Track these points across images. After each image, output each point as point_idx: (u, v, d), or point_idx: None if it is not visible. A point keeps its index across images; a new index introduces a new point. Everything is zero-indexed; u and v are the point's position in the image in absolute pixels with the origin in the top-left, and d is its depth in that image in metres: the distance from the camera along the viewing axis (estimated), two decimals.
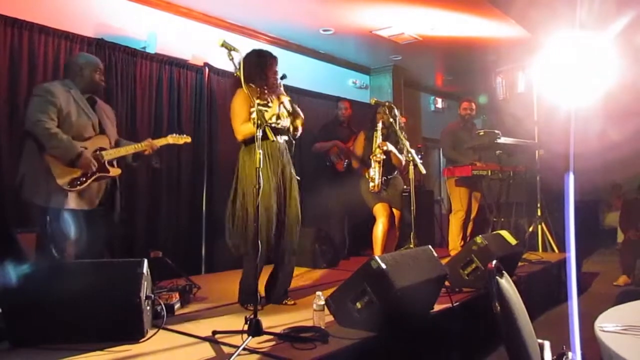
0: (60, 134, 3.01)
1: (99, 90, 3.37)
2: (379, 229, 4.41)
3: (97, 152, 3.19)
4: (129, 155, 3.43)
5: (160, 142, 3.52)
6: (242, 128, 3.28)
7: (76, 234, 3.05)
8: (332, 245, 5.46)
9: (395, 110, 4.50)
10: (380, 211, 4.41)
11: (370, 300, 2.66)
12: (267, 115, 3.17)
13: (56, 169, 3.01)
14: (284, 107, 3.38)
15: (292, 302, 3.40)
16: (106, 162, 3.23)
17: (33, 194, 3.01)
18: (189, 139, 3.70)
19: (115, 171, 3.29)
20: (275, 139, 3.01)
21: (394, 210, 4.51)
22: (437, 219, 7.79)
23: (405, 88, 7.91)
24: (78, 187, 3.06)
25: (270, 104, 3.32)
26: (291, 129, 3.46)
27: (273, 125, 3.23)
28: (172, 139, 3.59)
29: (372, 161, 4.41)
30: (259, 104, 2.98)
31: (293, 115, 3.43)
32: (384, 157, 4.42)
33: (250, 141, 3.26)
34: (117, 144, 3.41)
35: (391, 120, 4.40)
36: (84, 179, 3.09)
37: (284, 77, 3.37)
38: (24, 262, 2.55)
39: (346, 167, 5.57)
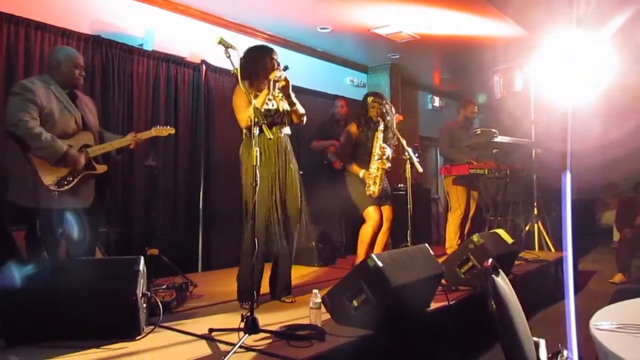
0: (44, 133, 2.93)
1: (78, 85, 3.28)
2: (368, 232, 4.27)
3: (83, 149, 3.13)
4: (113, 149, 3.37)
5: (145, 135, 3.46)
6: (242, 115, 3.28)
7: (67, 233, 3.02)
8: (330, 243, 5.47)
9: (389, 106, 4.41)
10: (371, 214, 4.26)
11: (367, 298, 2.66)
12: (258, 102, 3.14)
13: (42, 169, 2.95)
14: (279, 93, 3.34)
15: (291, 299, 3.41)
16: (91, 159, 3.17)
17: (20, 195, 2.95)
18: (172, 130, 3.64)
19: (101, 168, 3.23)
20: (271, 136, 3.00)
21: (388, 207, 4.42)
22: (434, 217, 7.81)
23: (403, 86, 7.90)
24: (65, 187, 3.01)
25: (270, 98, 3.32)
26: (285, 117, 3.42)
27: (267, 116, 3.22)
28: (155, 131, 3.53)
29: (376, 167, 4.22)
30: (255, 98, 3.00)
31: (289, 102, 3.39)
32: (390, 165, 4.30)
33: (248, 136, 3.32)
34: (100, 137, 3.35)
35: (385, 114, 4.28)
36: (71, 179, 3.04)
37: (286, 68, 3.37)
38: (20, 261, 2.55)
39: (343, 166, 5.56)
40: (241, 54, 3.32)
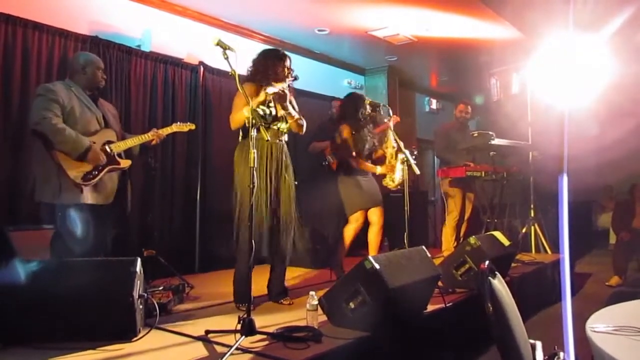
0: (68, 129, 2.99)
1: (99, 88, 3.36)
2: (350, 234, 4.33)
3: (106, 145, 3.19)
4: (137, 147, 3.43)
5: (166, 130, 3.55)
6: (233, 115, 3.29)
7: (90, 229, 3.04)
8: (327, 245, 5.46)
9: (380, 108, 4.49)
10: (356, 217, 4.32)
11: (364, 300, 2.67)
12: (253, 103, 3.13)
13: (67, 164, 2.99)
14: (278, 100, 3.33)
15: (288, 301, 3.40)
16: (115, 155, 3.22)
17: (46, 194, 2.98)
18: (193, 126, 3.78)
19: (125, 162, 3.29)
20: (269, 138, 3.00)
21: (378, 208, 4.40)
22: (430, 219, 7.81)
23: (400, 89, 7.92)
24: (92, 181, 3.05)
25: (270, 104, 3.31)
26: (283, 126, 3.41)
27: (265, 119, 3.23)
28: (176, 127, 3.64)
29: (393, 159, 4.36)
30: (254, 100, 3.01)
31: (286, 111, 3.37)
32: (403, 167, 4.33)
33: (243, 137, 3.34)
34: (123, 138, 3.40)
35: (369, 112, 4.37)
36: (96, 172, 3.09)
37: (296, 78, 3.40)
38: (16, 261, 2.54)
39: (337, 167, 5.55)
40: (254, 56, 3.42)
